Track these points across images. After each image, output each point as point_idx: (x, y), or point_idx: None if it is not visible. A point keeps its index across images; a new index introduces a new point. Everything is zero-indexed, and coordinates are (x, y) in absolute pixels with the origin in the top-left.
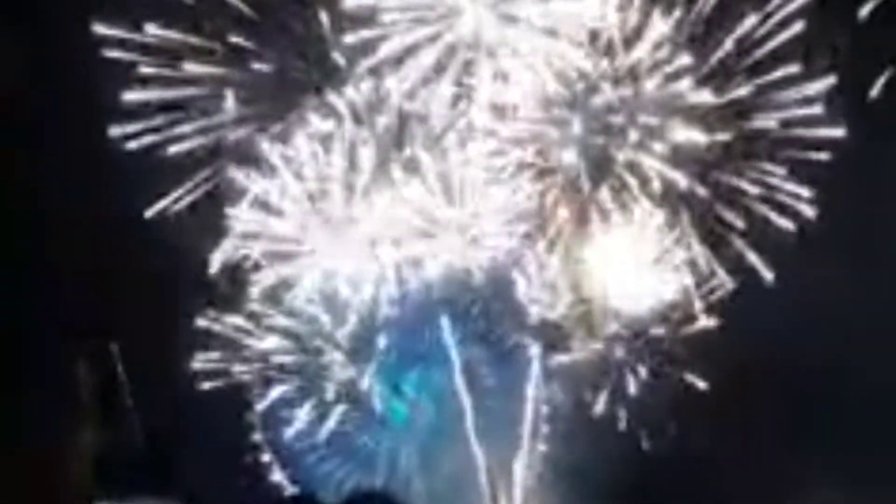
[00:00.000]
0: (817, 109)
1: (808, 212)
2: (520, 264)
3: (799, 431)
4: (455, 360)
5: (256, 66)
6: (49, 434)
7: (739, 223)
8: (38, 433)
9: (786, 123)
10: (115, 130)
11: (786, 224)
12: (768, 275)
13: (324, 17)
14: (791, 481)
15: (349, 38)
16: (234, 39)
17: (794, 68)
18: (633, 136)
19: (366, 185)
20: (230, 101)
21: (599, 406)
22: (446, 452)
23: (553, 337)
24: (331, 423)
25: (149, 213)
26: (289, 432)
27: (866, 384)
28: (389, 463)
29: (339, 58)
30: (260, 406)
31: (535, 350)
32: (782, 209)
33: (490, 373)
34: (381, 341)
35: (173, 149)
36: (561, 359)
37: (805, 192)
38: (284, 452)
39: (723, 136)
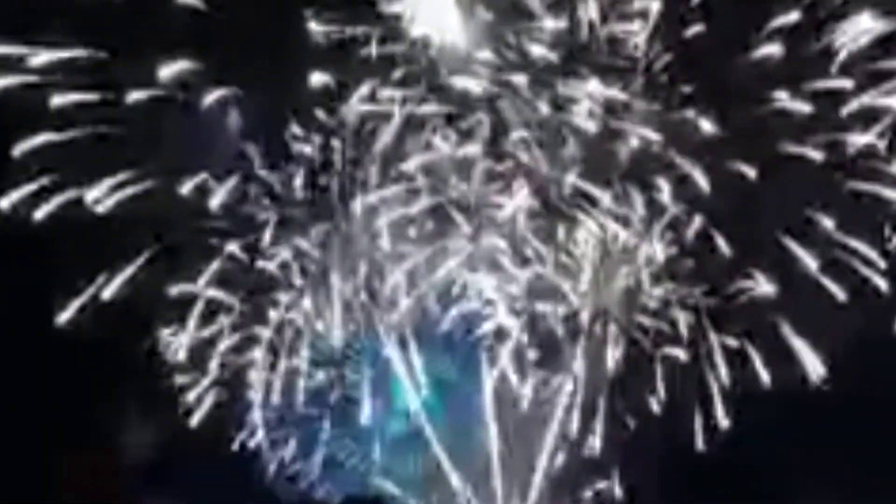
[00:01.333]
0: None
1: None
2: (515, 276)
3: None
4: (453, 369)
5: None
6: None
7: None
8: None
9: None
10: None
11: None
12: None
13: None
14: None
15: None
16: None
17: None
18: (627, 163)
19: (365, 204)
20: (234, 116)
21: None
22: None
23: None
24: (325, 438)
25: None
26: (287, 447)
27: None
28: (385, 474)
29: (328, 80)
30: (256, 420)
31: (532, 355)
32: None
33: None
34: (379, 357)
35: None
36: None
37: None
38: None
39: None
